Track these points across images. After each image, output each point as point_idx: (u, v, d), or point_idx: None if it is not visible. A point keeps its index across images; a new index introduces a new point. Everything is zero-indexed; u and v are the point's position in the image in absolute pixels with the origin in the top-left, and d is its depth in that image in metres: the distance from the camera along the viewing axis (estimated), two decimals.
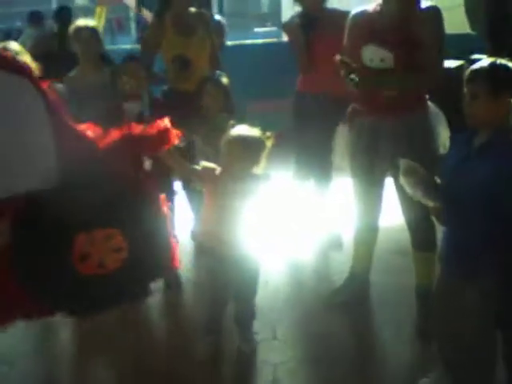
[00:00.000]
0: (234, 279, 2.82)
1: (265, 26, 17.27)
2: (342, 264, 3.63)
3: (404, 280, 3.33)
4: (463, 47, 5.45)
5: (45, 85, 2.61)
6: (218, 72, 3.89)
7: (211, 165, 2.78)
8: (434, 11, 2.89)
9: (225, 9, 7.47)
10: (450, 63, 4.88)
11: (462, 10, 6.16)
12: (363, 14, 3.04)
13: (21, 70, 2.58)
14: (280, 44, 7.83)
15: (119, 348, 3.03)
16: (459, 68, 5.15)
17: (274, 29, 14.78)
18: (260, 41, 8.72)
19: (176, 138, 2.81)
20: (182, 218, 3.89)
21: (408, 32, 2.86)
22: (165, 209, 3.03)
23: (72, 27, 3.90)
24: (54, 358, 3.09)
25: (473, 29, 6.21)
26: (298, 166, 4.14)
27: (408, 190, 2.39)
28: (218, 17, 5.78)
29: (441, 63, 2.96)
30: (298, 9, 3.97)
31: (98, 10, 10.38)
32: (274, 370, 2.82)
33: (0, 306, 2.59)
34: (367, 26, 2.97)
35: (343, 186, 3.93)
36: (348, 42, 3.09)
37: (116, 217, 2.68)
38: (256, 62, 6.47)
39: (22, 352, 3.04)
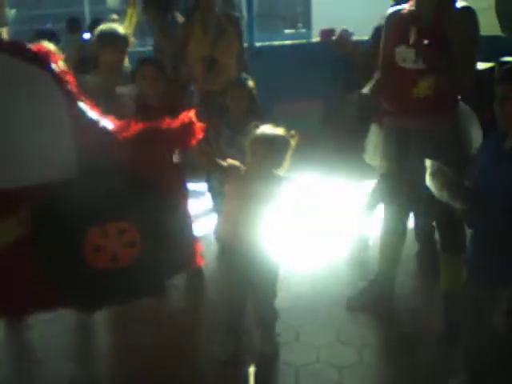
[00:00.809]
0: (254, 280, 2.81)
1: (295, 28, 17.29)
2: (368, 267, 3.59)
3: (430, 283, 3.28)
4: (494, 49, 5.37)
5: (70, 77, 2.64)
6: (243, 75, 3.88)
7: (236, 163, 2.77)
8: (468, 12, 2.83)
9: (254, 10, 7.44)
10: (480, 65, 4.81)
11: (493, 12, 6.08)
12: (397, 14, 3.01)
13: (41, 61, 2.60)
14: (308, 45, 7.81)
15: (140, 346, 3.04)
16: (490, 70, 5.07)
17: (303, 30, 14.78)
18: (289, 42, 8.70)
19: (200, 131, 2.80)
20: (206, 218, 3.89)
21: (440, 32, 2.81)
22: (188, 207, 3.03)
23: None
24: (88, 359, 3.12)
25: (503, 31, 6.13)
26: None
27: (435, 191, 2.36)
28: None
29: (474, 64, 2.91)
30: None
31: (130, 11, 10.48)
32: (296, 372, 2.80)
33: (19, 296, 2.63)
34: (400, 27, 2.94)
35: (372, 187, 3.91)
36: (384, 42, 3.07)
37: (130, 211, 2.68)
38: (284, 63, 6.47)
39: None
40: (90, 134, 2.64)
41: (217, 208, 3.99)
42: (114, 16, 6.38)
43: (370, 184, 3.97)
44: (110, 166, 2.62)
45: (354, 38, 4.80)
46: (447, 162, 2.39)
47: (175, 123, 2.76)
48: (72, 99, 2.65)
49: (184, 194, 3.07)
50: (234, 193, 2.76)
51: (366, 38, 4.51)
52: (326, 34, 7.35)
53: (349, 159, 3.85)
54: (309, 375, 2.79)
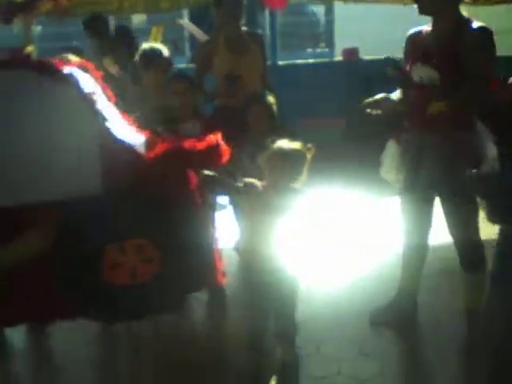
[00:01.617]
0: (273, 294, 2.81)
1: (318, 47, 17.39)
2: (391, 283, 3.59)
3: (452, 301, 3.27)
4: None
5: (98, 74, 2.71)
6: (264, 91, 3.93)
7: (253, 180, 2.78)
8: (484, 32, 2.86)
9: (277, 28, 7.53)
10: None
11: None
12: (417, 34, 3.11)
13: (69, 80, 2.67)
14: (331, 64, 7.88)
15: (162, 360, 3.07)
16: None
17: (326, 50, 14.86)
18: (311, 60, 8.78)
19: (226, 153, 2.85)
20: (229, 234, 3.92)
21: (455, 52, 2.87)
22: (210, 224, 3.06)
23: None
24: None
25: None
26: None
27: None
28: None
29: (487, 84, 2.91)
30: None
31: (154, 30, 10.64)
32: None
33: (38, 304, 2.68)
34: (418, 46, 3.04)
35: (392, 203, 3.91)
36: (405, 60, 3.16)
37: (149, 228, 2.72)
38: (307, 81, 6.53)
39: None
40: (115, 153, 2.69)
41: (239, 222, 4.02)
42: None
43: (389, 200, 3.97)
44: (133, 184, 2.67)
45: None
46: (460, 178, 2.41)
47: (201, 144, 2.81)
48: (100, 117, 2.71)
49: (207, 211, 3.10)
50: (252, 208, 2.77)
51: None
52: (348, 53, 7.44)
53: (370, 175, 3.88)
54: None
